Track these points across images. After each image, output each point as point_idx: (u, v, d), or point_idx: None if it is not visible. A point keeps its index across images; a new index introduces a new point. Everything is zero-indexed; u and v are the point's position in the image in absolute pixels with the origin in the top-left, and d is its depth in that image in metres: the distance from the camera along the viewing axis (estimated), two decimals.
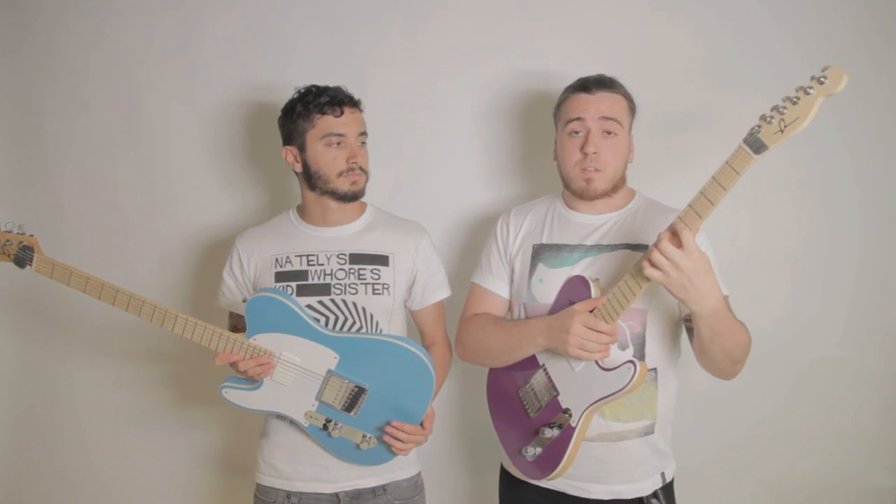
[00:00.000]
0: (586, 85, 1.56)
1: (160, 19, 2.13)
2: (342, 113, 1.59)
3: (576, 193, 1.58)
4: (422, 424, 1.59)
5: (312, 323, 1.53)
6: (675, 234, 1.27)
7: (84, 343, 2.26)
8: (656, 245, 1.27)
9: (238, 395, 1.57)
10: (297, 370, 1.54)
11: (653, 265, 1.28)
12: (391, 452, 1.59)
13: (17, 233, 1.45)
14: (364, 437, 1.58)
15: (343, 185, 1.60)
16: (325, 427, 1.57)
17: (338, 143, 1.59)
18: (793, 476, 2.06)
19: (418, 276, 1.69)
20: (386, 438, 1.56)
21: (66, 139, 2.20)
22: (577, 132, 1.54)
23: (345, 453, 1.61)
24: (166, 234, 2.18)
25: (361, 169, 1.62)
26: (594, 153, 1.51)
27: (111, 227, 2.21)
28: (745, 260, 1.93)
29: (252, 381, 1.57)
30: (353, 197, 1.63)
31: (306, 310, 1.56)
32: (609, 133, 1.53)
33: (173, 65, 2.15)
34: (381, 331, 1.63)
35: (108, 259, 2.19)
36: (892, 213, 1.99)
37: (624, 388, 1.40)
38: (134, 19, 2.14)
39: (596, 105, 1.53)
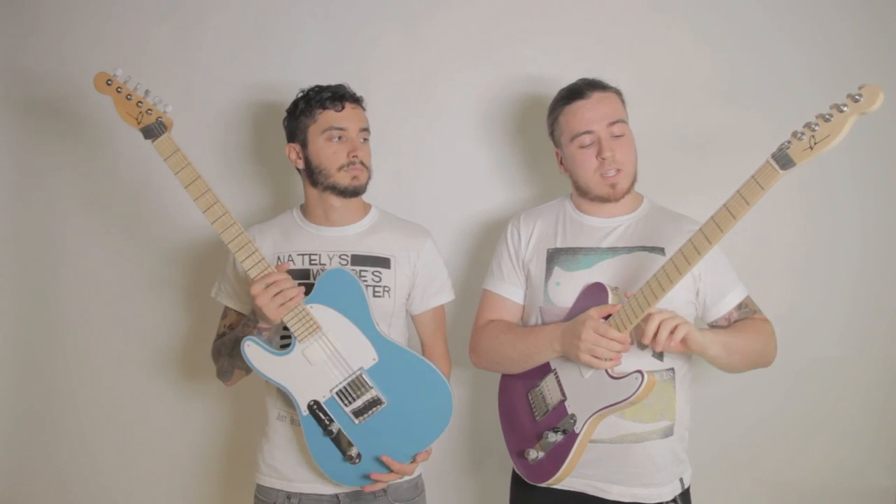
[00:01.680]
0: (580, 90, 1.58)
1: (160, 20, 2.14)
2: (343, 108, 1.62)
3: (600, 199, 1.59)
4: (414, 457, 1.55)
5: (373, 317, 1.52)
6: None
7: (84, 341, 2.24)
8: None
9: (258, 354, 1.51)
10: (331, 353, 1.51)
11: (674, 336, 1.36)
12: (366, 480, 1.55)
13: (161, 108, 1.47)
14: (353, 449, 1.52)
15: (344, 180, 1.61)
16: (321, 423, 1.51)
17: (339, 138, 1.61)
18: (792, 476, 2.05)
19: (418, 280, 1.68)
20: (375, 475, 1.53)
21: (67, 139, 2.19)
22: (589, 143, 1.56)
23: (323, 460, 1.54)
24: (167, 233, 2.17)
25: (363, 164, 1.62)
26: (612, 156, 1.53)
27: (112, 226, 2.20)
28: (745, 260, 1.90)
29: (279, 348, 1.52)
30: (354, 192, 1.63)
31: (375, 305, 1.56)
32: (618, 135, 1.56)
33: (173, 65, 2.13)
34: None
35: (110, 258, 2.20)
36: (891, 213, 2.00)
37: (629, 397, 1.41)
38: (133, 20, 2.15)
39: (599, 112, 1.55)
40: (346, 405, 1.50)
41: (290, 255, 1.64)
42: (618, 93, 1.62)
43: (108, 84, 1.47)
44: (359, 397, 1.50)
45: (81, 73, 2.04)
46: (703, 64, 2.00)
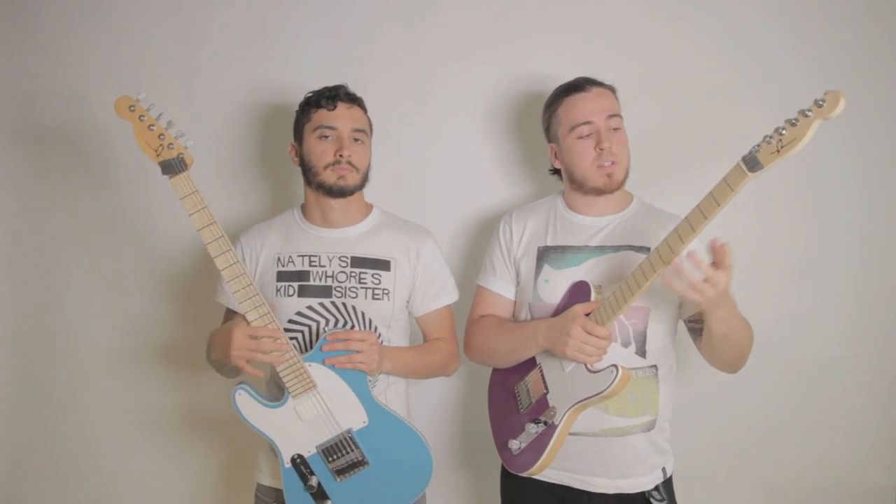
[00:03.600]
0: (579, 84, 1.63)
1: (159, 20, 2.14)
2: (336, 107, 1.62)
3: (595, 191, 1.63)
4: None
5: (368, 382, 1.54)
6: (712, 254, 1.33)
7: (86, 342, 2.23)
8: (708, 274, 1.31)
9: (249, 405, 1.52)
10: (323, 411, 1.52)
11: (695, 289, 1.32)
12: None
13: (183, 143, 1.41)
14: None
15: (329, 178, 1.60)
16: (302, 478, 1.53)
17: (328, 137, 1.61)
18: (793, 475, 2.10)
19: (418, 283, 1.69)
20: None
21: (67, 139, 2.18)
22: (587, 134, 1.60)
23: None
24: (166, 234, 2.16)
25: (350, 164, 1.60)
26: (609, 147, 1.58)
27: (111, 227, 2.19)
28: (746, 260, 1.91)
29: (271, 399, 1.51)
30: (341, 192, 1.61)
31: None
32: (615, 129, 1.62)
33: (172, 65, 2.13)
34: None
35: (108, 259, 2.19)
36: (891, 213, 2.02)
37: (604, 390, 1.46)
38: (133, 20, 2.15)
39: (598, 105, 1.60)
40: (329, 462, 1.52)
41: (290, 256, 1.63)
42: (613, 90, 1.67)
43: (131, 110, 1.38)
44: (343, 456, 1.52)
45: (80, 75, 2.15)
46: (703, 62, 2.01)
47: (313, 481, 1.52)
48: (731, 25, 2.01)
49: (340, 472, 1.53)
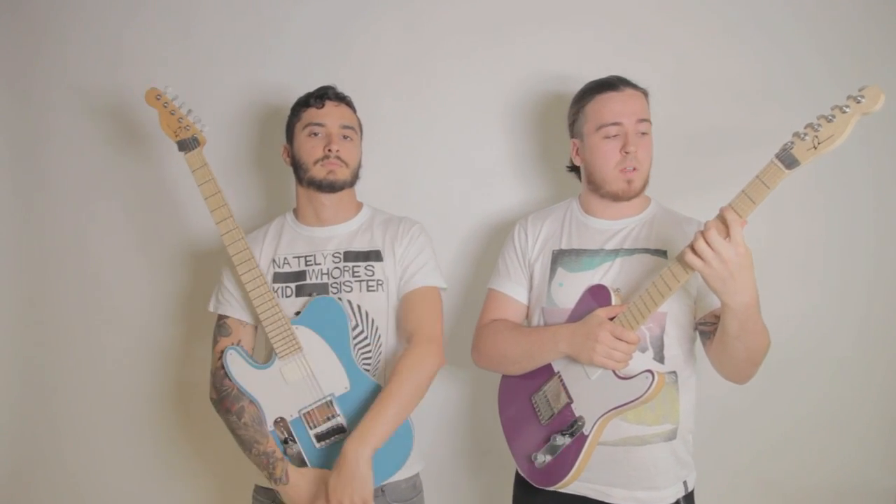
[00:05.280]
0: (612, 83, 1.59)
1: (158, 19, 2.18)
2: (324, 105, 1.68)
3: (612, 195, 1.58)
4: None
5: (352, 348, 1.59)
6: (723, 224, 1.27)
7: (86, 342, 2.27)
8: (704, 234, 1.27)
9: (238, 364, 1.60)
10: (307, 375, 1.57)
11: (696, 253, 1.28)
12: None
13: (199, 126, 1.62)
14: None
15: (319, 173, 1.65)
16: (285, 441, 1.57)
17: (318, 133, 1.67)
18: (807, 480, 2.03)
19: (401, 263, 1.67)
20: None
21: (65, 141, 2.23)
22: (614, 135, 1.56)
23: None
24: (163, 235, 2.20)
25: (339, 158, 1.65)
26: (635, 152, 1.54)
27: (109, 228, 2.24)
28: (760, 261, 1.86)
29: (260, 362, 1.59)
30: (331, 186, 1.66)
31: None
32: (643, 133, 1.57)
33: (169, 65, 2.18)
34: (376, 329, 1.63)
35: (106, 260, 2.24)
36: None
37: (641, 397, 1.42)
38: (131, 19, 2.19)
39: (630, 107, 1.56)
40: (310, 427, 1.56)
41: (285, 258, 1.68)
42: (646, 94, 1.63)
43: (157, 99, 1.63)
44: (324, 422, 1.55)
45: (78, 76, 2.23)
46: (720, 61, 1.99)
47: (293, 449, 1.55)
48: (751, 24, 1.99)
49: (320, 437, 1.56)
